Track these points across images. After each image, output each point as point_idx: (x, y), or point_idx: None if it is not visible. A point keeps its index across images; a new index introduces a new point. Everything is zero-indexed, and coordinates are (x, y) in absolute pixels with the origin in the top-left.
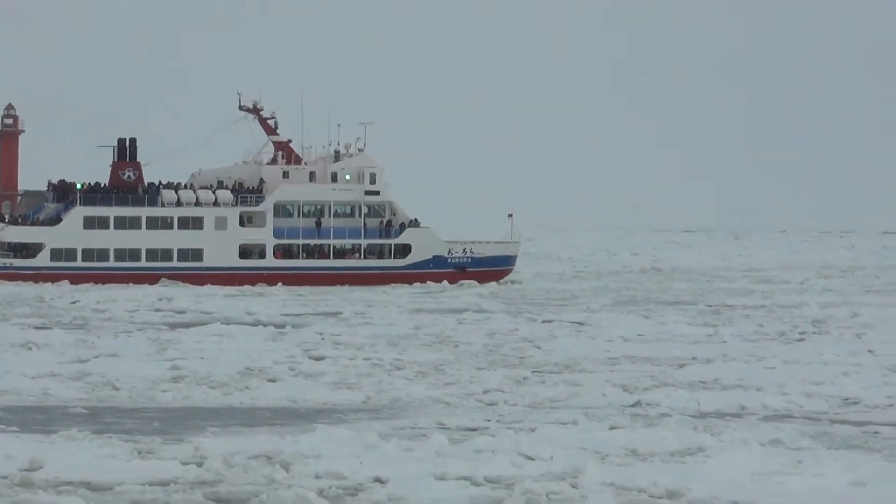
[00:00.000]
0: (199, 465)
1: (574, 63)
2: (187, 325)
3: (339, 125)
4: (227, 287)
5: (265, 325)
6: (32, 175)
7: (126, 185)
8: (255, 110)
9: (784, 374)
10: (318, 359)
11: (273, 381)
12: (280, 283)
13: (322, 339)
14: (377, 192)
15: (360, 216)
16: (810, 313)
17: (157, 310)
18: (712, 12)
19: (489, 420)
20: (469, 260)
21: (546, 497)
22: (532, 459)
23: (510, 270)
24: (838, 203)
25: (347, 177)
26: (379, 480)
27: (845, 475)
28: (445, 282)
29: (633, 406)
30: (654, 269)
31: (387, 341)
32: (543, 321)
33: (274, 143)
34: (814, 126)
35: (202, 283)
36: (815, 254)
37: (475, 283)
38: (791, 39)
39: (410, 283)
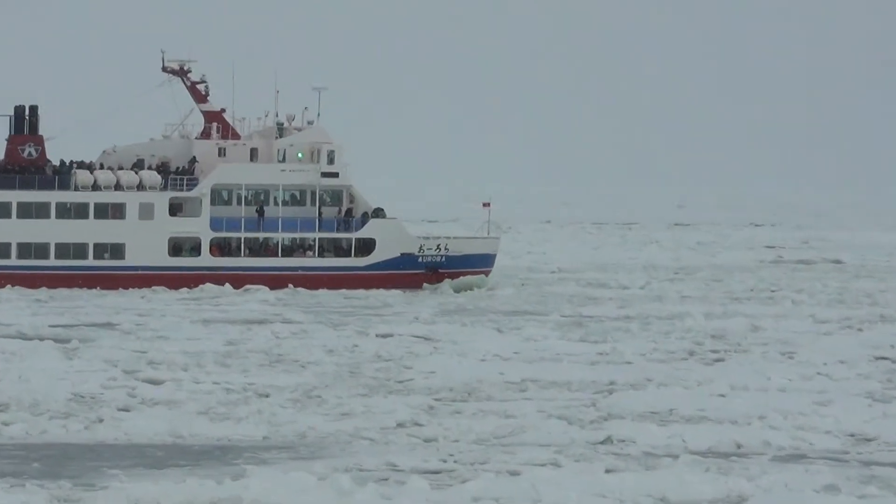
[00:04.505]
0: None
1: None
2: None
3: (277, 91)
4: None
5: (41, 339)
6: None
7: (26, 163)
8: (182, 72)
9: (747, 404)
10: (155, 383)
11: (126, 410)
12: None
13: (132, 356)
14: (335, 175)
15: (313, 204)
16: (698, 326)
17: None
18: None
19: (445, 461)
20: (443, 259)
21: None
22: None
23: (489, 272)
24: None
25: (300, 155)
26: None
27: None
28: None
29: (603, 443)
30: None
31: (213, 360)
32: (377, 335)
33: (204, 112)
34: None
35: (120, 287)
36: (612, 249)
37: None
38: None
39: (374, 287)
